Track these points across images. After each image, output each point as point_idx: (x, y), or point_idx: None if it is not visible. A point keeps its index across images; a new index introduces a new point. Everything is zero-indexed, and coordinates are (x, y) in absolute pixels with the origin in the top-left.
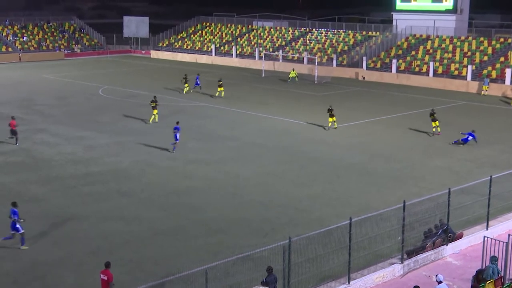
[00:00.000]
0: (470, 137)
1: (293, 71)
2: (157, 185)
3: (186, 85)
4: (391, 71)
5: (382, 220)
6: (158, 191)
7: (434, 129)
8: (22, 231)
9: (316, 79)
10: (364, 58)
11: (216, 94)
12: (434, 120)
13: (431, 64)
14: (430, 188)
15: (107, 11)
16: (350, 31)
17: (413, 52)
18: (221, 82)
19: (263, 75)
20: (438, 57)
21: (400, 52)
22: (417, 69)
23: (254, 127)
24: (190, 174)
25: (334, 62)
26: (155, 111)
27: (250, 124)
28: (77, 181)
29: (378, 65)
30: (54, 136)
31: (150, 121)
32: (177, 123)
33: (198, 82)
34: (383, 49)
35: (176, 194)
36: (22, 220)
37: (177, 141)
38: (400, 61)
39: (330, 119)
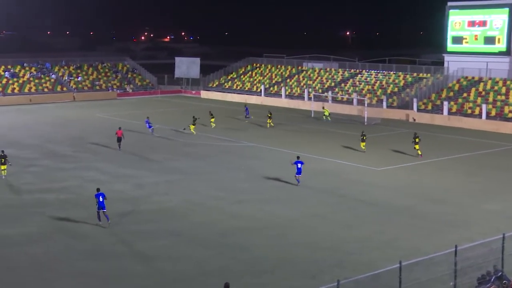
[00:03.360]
0: None
1: (325, 108)
2: (204, 224)
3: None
4: (442, 113)
5: (433, 265)
6: (205, 231)
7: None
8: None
9: (365, 120)
10: (415, 99)
11: (268, 126)
12: (416, 143)
13: (483, 106)
14: (483, 232)
15: (159, 52)
16: (400, 73)
17: (464, 94)
18: (270, 115)
19: (312, 116)
20: (491, 99)
21: (451, 94)
22: (469, 111)
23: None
24: (237, 214)
25: (384, 103)
26: (192, 127)
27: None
28: (125, 219)
29: (429, 107)
30: (104, 174)
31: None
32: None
33: (248, 113)
34: (434, 91)
35: (222, 233)
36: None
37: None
38: (452, 103)
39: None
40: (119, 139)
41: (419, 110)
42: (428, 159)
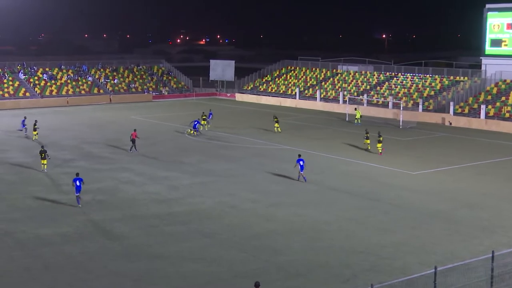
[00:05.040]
0: None
1: (357, 110)
2: (238, 227)
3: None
4: (479, 117)
5: (469, 271)
6: (239, 233)
7: (369, 146)
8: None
9: (401, 124)
10: (451, 103)
11: (275, 131)
12: (367, 138)
13: None
14: None
15: (194, 55)
16: (437, 76)
17: (503, 98)
18: (276, 119)
19: (346, 119)
20: None
21: (489, 97)
22: (507, 115)
23: (336, 171)
24: (271, 217)
25: (420, 107)
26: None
27: (332, 168)
28: (160, 220)
29: (466, 111)
30: (139, 175)
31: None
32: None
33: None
34: (471, 94)
35: (256, 236)
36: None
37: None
38: (489, 106)
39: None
40: (133, 141)
41: (455, 113)
42: (465, 164)
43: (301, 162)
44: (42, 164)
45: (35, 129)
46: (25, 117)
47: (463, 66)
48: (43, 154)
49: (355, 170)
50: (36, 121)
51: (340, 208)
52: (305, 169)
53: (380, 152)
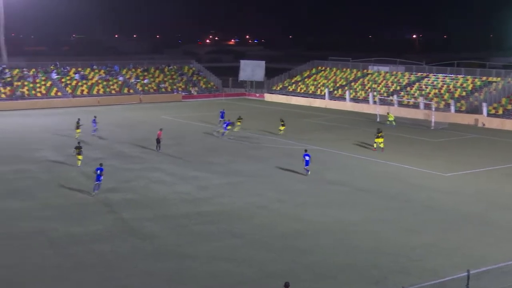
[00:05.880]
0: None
1: (389, 114)
2: (267, 227)
3: (281, 127)
4: None
5: (503, 274)
6: (268, 233)
7: (375, 145)
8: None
9: (432, 125)
10: (484, 104)
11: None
12: (378, 137)
13: None
14: None
15: (224, 55)
16: (469, 76)
17: None
18: (283, 123)
19: (377, 120)
20: None
21: None
22: None
23: (365, 171)
24: (300, 217)
25: (452, 107)
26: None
27: (361, 169)
28: (189, 220)
29: (500, 112)
30: (169, 175)
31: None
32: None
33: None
34: (504, 95)
35: (285, 236)
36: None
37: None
38: None
39: (378, 140)
40: (158, 140)
41: (489, 114)
42: (498, 165)
43: (306, 157)
44: (78, 160)
45: (78, 127)
46: (95, 116)
47: (496, 67)
48: (78, 150)
49: (384, 171)
50: (79, 119)
51: (369, 209)
52: (329, 170)
53: (375, 148)
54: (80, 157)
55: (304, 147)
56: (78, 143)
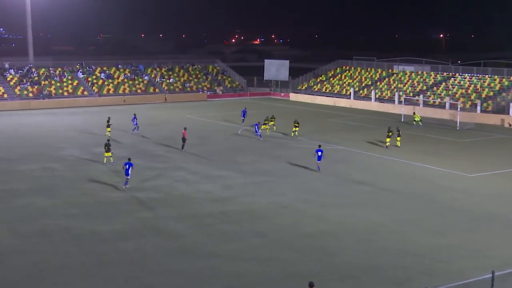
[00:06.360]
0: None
1: (415, 114)
2: (291, 226)
3: (294, 129)
4: None
5: None
6: (291, 233)
7: (387, 144)
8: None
9: (458, 125)
10: (511, 104)
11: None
12: (388, 136)
13: None
14: None
15: (249, 54)
16: (496, 76)
17: None
18: (297, 125)
19: (402, 120)
20: None
21: None
22: None
23: (390, 172)
24: (324, 217)
25: (478, 108)
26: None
27: (386, 169)
28: (213, 219)
29: None
30: (193, 174)
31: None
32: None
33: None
34: None
35: (309, 236)
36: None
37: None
38: None
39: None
40: (183, 139)
41: None
42: None
43: (319, 153)
44: (106, 156)
45: (108, 126)
46: (134, 114)
47: None
48: (107, 147)
49: (409, 171)
50: (109, 117)
51: (393, 209)
52: (354, 170)
53: (387, 146)
54: (107, 154)
55: (329, 147)
56: (108, 140)
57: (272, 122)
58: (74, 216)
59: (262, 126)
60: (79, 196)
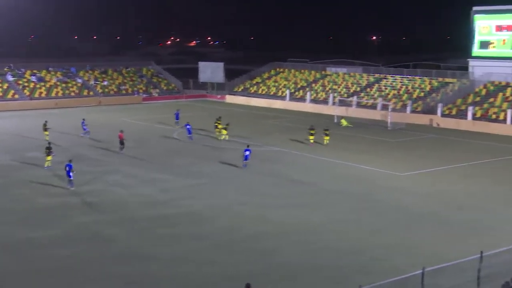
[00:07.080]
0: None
1: (342, 120)
2: (230, 228)
3: (223, 131)
4: (467, 118)
5: (458, 271)
6: (230, 235)
7: (311, 141)
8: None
9: (389, 125)
10: (440, 105)
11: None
12: (311, 134)
13: (509, 111)
14: (508, 239)
15: (185, 56)
16: (426, 78)
17: (491, 99)
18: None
19: (335, 121)
20: None
21: (478, 99)
22: (493, 116)
23: (328, 173)
24: (263, 219)
25: (408, 108)
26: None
27: (324, 170)
28: (151, 223)
29: (454, 112)
30: (130, 178)
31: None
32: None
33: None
34: (460, 96)
35: (248, 238)
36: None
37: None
38: (477, 108)
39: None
40: (121, 142)
41: (443, 115)
42: (453, 165)
43: (246, 152)
44: (47, 160)
45: (46, 129)
46: (83, 119)
47: (451, 68)
48: (47, 150)
49: (346, 172)
50: (46, 121)
51: (332, 210)
52: (293, 171)
53: (311, 143)
54: (49, 158)
55: (265, 148)
56: (49, 143)
57: (220, 126)
58: (6, 223)
59: (223, 131)
60: (10, 203)
